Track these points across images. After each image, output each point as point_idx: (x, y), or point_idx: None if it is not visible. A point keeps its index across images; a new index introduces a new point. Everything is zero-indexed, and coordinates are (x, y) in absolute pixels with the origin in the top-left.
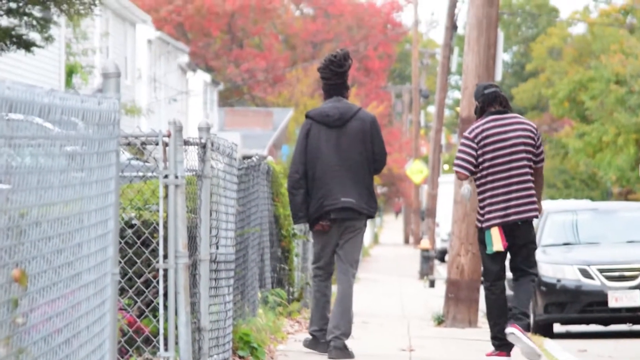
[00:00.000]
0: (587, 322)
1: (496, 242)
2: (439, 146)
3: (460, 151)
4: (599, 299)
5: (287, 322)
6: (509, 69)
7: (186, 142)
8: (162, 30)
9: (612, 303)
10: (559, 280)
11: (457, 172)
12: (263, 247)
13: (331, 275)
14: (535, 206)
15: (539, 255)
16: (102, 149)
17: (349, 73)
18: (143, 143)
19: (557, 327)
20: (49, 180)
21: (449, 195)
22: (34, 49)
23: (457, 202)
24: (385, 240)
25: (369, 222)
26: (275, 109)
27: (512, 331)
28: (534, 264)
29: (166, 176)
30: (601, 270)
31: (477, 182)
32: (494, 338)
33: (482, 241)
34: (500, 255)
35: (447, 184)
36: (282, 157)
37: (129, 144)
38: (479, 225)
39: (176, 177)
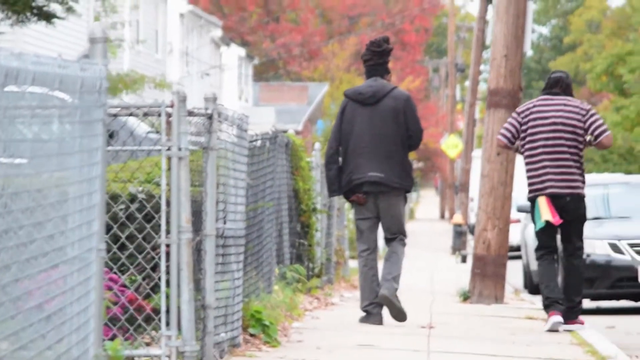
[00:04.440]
0: (617, 297)
1: (544, 212)
2: (473, 120)
3: (506, 122)
4: (629, 274)
5: (306, 298)
6: (547, 43)
7: (190, 113)
8: (197, 4)
9: None
10: (588, 255)
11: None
12: (281, 222)
13: (376, 250)
14: (570, 184)
15: None
16: (86, 118)
17: (389, 59)
18: (145, 113)
19: (587, 303)
20: (17, 149)
21: None
22: (58, 21)
23: (484, 175)
24: (421, 216)
25: None
26: (311, 83)
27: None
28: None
29: (169, 148)
30: (632, 245)
31: (523, 157)
32: (545, 299)
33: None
34: (549, 230)
35: (481, 158)
36: (317, 132)
37: (131, 114)
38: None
39: (179, 149)
